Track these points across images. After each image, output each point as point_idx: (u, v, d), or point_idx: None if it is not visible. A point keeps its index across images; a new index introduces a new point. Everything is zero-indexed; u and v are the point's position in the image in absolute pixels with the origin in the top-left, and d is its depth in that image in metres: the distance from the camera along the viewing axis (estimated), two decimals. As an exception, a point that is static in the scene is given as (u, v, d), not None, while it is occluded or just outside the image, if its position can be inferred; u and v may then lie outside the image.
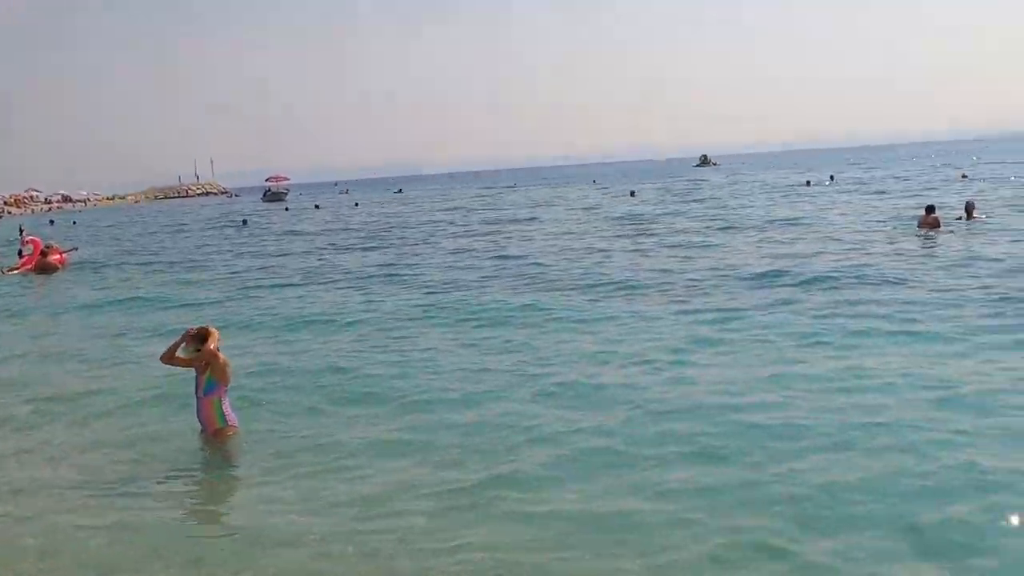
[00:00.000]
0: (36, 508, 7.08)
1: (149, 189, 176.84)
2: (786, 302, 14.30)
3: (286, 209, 74.13)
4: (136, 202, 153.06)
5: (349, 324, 14.92)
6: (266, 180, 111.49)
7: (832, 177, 62.84)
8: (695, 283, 17.02)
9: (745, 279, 17.07)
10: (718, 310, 13.87)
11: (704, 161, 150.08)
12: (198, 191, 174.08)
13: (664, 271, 19.08)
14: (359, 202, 78.53)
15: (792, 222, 29.16)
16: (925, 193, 39.73)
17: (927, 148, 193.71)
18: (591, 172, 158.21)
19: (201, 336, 8.29)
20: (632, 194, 59.01)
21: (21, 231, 44.54)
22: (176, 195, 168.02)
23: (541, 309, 14.96)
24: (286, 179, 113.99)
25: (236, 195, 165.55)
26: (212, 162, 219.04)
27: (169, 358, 8.43)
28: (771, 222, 29.71)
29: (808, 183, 56.83)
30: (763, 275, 17.25)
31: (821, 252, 20.39)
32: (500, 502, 6.69)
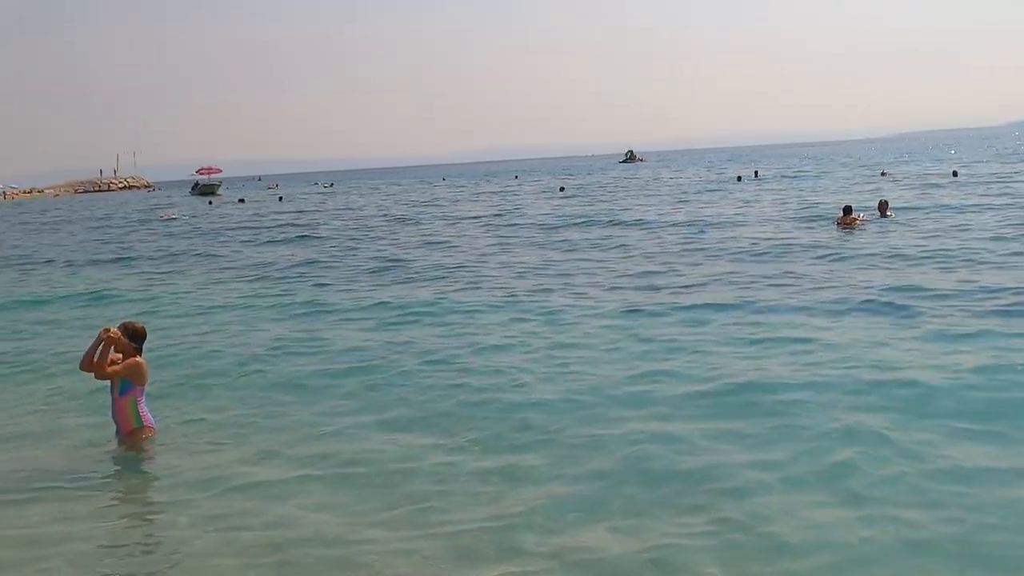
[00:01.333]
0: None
1: (67, 183, 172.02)
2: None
3: (209, 203, 72.50)
4: (56, 196, 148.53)
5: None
6: (196, 172, 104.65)
7: (756, 173, 64.24)
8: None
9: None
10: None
11: (630, 157, 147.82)
12: (120, 185, 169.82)
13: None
14: (283, 196, 77.60)
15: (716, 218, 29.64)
16: (846, 190, 40.84)
17: (859, 146, 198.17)
18: (514, 167, 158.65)
19: (137, 334, 8.03)
20: (561, 189, 59.26)
21: None
22: (96, 189, 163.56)
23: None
24: (218, 171, 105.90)
25: (159, 188, 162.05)
26: (135, 155, 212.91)
27: (95, 367, 7.90)
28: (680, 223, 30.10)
29: (739, 178, 58.52)
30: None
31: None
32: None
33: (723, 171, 77.90)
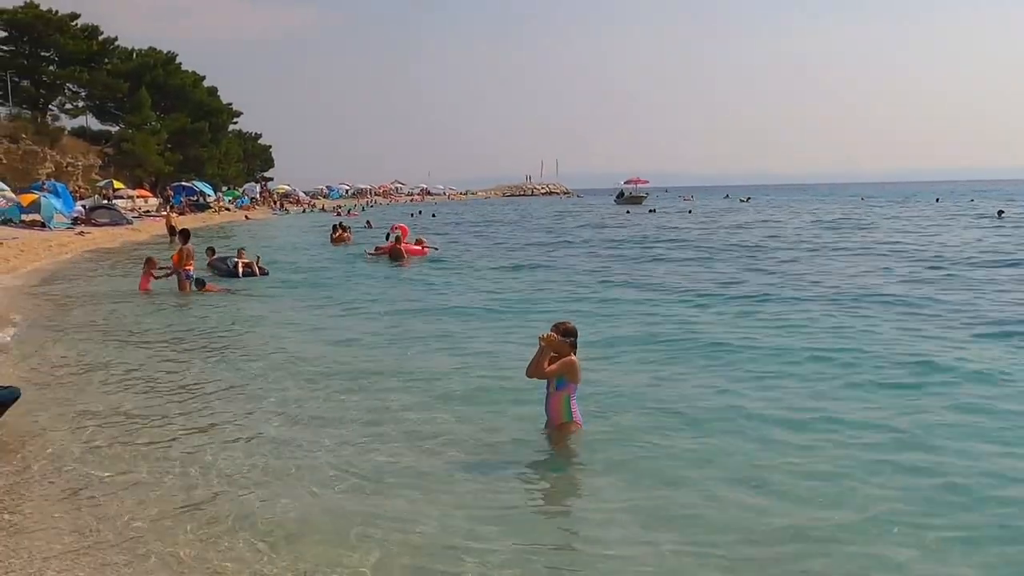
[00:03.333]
0: (371, 481, 7.56)
1: (497, 186, 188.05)
2: None
3: (627, 212, 75.15)
4: (486, 198, 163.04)
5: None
6: (625, 183, 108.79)
7: None
8: None
9: None
10: None
11: None
12: (542, 190, 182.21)
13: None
14: (692, 209, 78.24)
15: None
16: None
17: None
18: (932, 189, 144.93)
19: (569, 331, 8.41)
20: (1000, 214, 53.72)
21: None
22: (521, 193, 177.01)
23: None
24: (645, 182, 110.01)
25: (579, 196, 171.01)
26: (557, 163, 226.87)
27: (537, 371, 8.35)
28: None
29: None
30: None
31: None
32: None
33: None
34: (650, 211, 75.12)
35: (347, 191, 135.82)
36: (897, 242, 34.83)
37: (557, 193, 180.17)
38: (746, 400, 9.99)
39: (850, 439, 8.42)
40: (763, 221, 56.50)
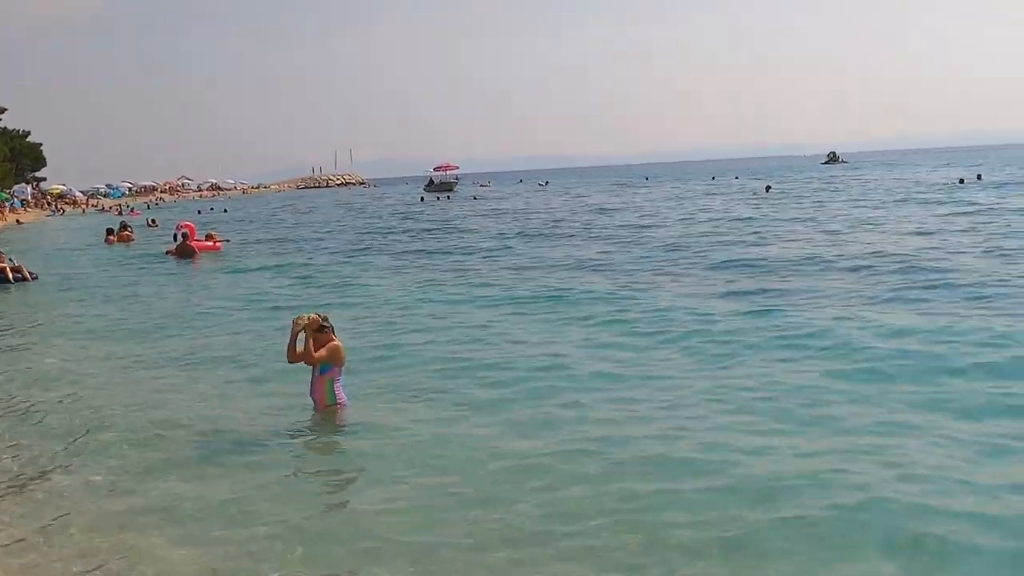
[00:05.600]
0: (147, 471, 7.64)
1: (291, 179, 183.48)
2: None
3: (436, 199, 75.55)
4: (279, 191, 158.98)
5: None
6: (434, 169, 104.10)
7: (979, 176, 57.90)
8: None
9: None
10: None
11: (832, 158, 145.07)
12: (338, 181, 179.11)
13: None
14: (477, 196, 79.24)
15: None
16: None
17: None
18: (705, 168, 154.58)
19: (319, 325, 8.61)
20: (768, 189, 57.99)
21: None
22: (316, 185, 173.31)
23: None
24: (455, 168, 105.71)
25: (374, 185, 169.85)
26: (351, 152, 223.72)
27: (306, 356, 8.59)
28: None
29: (961, 181, 53.70)
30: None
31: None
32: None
33: (935, 172, 72.36)
34: (436, 199, 75.69)
35: (130, 189, 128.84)
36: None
37: (353, 183, 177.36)
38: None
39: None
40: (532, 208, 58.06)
